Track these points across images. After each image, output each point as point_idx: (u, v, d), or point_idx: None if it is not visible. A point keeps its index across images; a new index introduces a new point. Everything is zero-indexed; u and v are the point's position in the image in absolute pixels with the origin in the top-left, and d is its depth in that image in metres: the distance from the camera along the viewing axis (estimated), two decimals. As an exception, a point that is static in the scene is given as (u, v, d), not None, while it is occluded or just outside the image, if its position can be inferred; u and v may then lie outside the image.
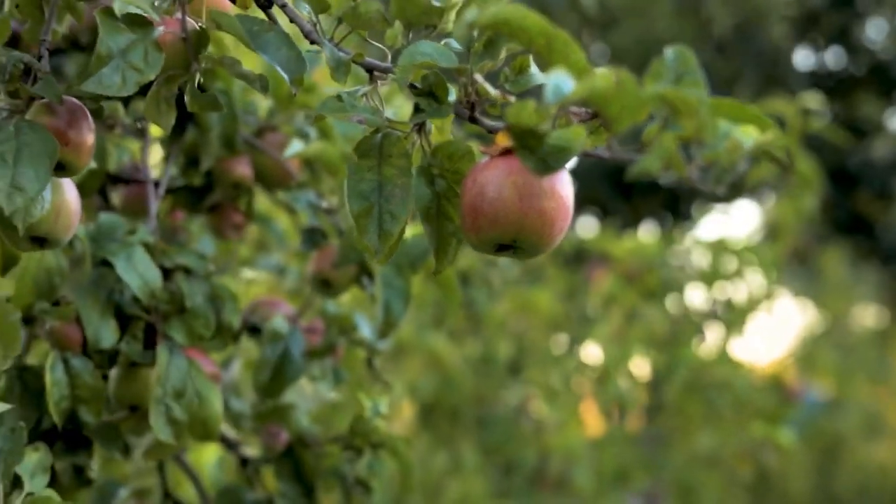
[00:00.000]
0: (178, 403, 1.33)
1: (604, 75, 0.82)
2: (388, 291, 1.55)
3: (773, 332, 5.40)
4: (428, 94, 0.97)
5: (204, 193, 1.81)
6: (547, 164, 0.86)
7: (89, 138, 1.04)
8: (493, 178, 0.92)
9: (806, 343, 5.83)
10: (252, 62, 1.44)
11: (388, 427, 1.51)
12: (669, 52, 0.85)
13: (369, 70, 1.03)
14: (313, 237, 1.68)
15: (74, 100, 1.04)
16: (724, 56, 7.68)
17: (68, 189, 1.10)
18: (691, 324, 3.70)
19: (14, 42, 1.20)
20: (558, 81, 0.83)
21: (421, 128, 0.99)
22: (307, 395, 1.80)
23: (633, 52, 7.34)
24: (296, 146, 1.64)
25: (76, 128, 1.02)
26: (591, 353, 3.80)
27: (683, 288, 3.73)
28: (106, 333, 1.35)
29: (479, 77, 0.93)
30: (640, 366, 3.70)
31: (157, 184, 1.65)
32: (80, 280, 1.34)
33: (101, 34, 1.00)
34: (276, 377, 1.59)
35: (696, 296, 3.77)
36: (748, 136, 0.84)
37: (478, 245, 0.94)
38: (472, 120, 0.97)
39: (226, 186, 1.79)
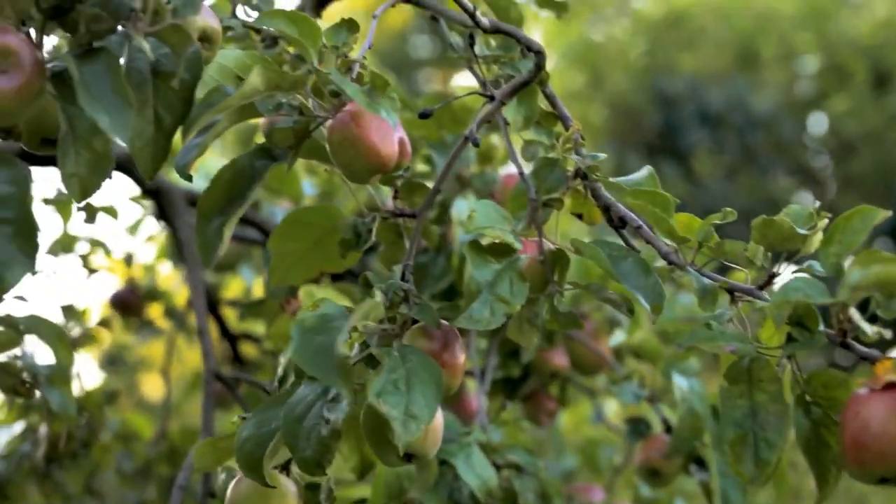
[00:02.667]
0: None
1: None
2: (724, 481, 1.54)
3: None
4: (798, 324, 0.98)
5: (520, 383, 1.86)
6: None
7: (461, 359, 1.09)
8: (878, 412, 0.92)
9: None
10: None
11: None
12: None
13: (731, 292, 1.05)
14: (638, 427, 1.70)
15: (445, 322, 1.10)
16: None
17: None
18: None
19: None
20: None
21: (791, 355, 0.99)
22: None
23: (871, 178, 7.17)
24: (618, 336, 1.69)
25: (450, 350, 1.07)
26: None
27: None
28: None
29: (853, 313, 0.93)
30: None
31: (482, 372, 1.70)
32: (426, 482, 1.40)
33: (470, 268, 1.06)
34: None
35: None
36: None
37: (860, 477, 0.94)
38: (844, 346, 0.97)
39: (542, 375, 1.84)
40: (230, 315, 2.49)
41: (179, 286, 2.66)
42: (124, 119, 0.88)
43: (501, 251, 1.09)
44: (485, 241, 1.09)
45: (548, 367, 1.81)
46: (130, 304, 2.49)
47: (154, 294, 2.54)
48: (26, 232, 0.87)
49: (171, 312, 2.55)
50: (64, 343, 1.61)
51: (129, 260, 2.52)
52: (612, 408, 2.27)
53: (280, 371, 1.13)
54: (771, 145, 8.11)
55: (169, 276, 2.72)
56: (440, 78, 8.79)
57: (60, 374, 1.55)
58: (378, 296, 1.01)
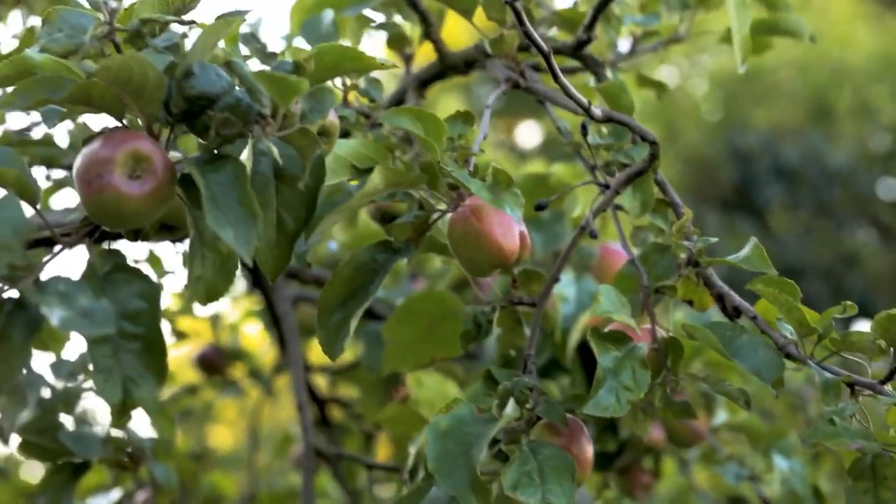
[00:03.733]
0: None
1: None
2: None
3: None
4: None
5: (615, 457, 1.85)
6: None
7: (589, 452, 1.09)
8: None
9: None
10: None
11: None
12: None
13: (852, 386, 1.04)
14: (738, 507, 1.69)
15: (571, 415, 1.10)
16: None
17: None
18: None
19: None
20: None
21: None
22: None
23: None
24: (721, 416, 1.67)
25: (577, 444, 1.07)
26: None
27: None
28: None
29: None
30: None
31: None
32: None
33: (597, 356, 1.06)
34: None
35: None
36: None
37: None
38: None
39: (638, 450, 1.83)
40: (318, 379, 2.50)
41: (265, 347, 2.69)
42: (249, 234, 0.89)
43: (618, 338, 1.10)
44: (607, 328, 1.10)
45: (644, 441, 1.80)
46: (214, 363, 2.52)
47: (238, 354, 2.56)
48: (155, 349, 0.89)
49: (255, 374, 2.57)
50: (166, 416, 1.63)
51: (214, 321, 2.55)
52: (704, 476, 2.25)
53: (410, 462, 1.14)
54: (847, 200, 8.03)
55: (254, 337, 2.74)
56: (504, 127, 8.84)
57: (164, 448, 1.57)
58: (511, 406, 1.02)
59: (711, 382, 1.09)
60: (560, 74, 1.04)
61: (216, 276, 0.94)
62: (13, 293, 0.87)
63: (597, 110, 1.14)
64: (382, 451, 2.35)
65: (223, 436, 3.93)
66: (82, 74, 0.99)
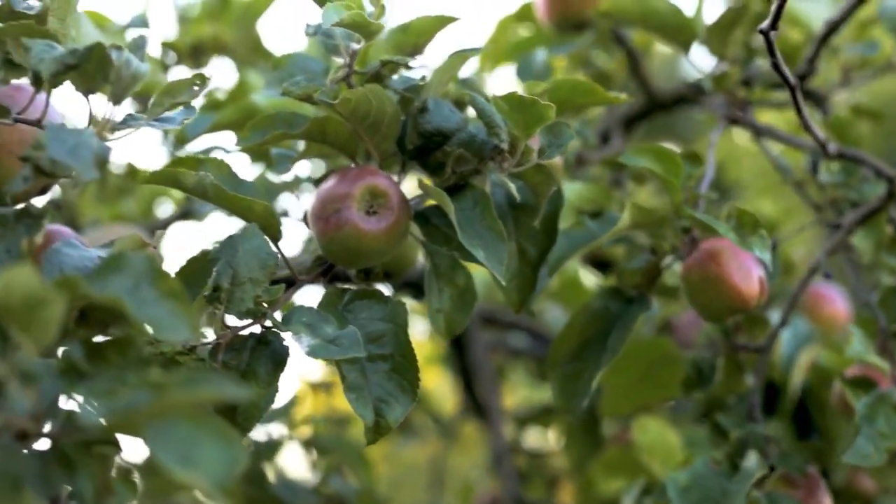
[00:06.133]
0: None
1: None
2: None
3: None
4: None
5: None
6: None
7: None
8: None
9: None
10: None
11: None
12: None
13: None
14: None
15: (810, 468, 1.06)
16: None
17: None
18: None
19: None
20: None
21: None
22: None
23: None
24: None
25: (815, 497, 1.03)
26: None
27: None
28: None
29: None
30: None
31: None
32: None
33: (851, 402, 1.02)
34: None
35: None
36: None
37: None
38: None
39: (850, 499, 1.76)
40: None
41: (446, 392, 2.67)
42: (500, 254, 0.88)
43: (865, 383, 1.05)
44: (853, 371, 1.06)
45: (856, 490, 1.72)
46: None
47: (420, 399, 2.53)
48: (405, 367, 0.87)
49: (435, 419, 2.55)
50: (366, 463, 1.62)
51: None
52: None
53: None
54: None
55: (435, 381, 2.72)
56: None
57: (367, 496, 1.56)
58: (753, 458, 0.98)
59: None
60: (804, 108, 0.99)
61: (455, 309, 0.92)
62: (255, 328, 0.86)
63: (832, 146, 1.09)
64: (565, 498, 2.31)
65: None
66: (312, 114, 0.99)
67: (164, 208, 1.71)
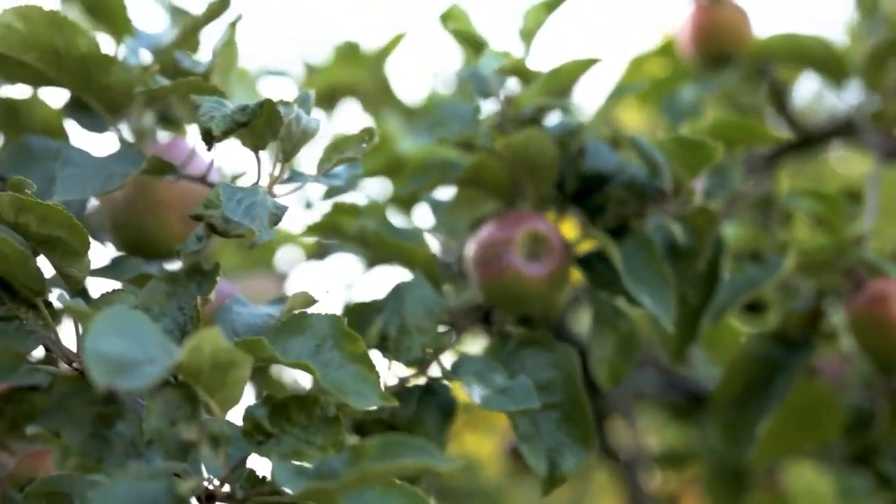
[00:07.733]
0: None
1: None
2: None
3: None
4: None
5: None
6: None
7: None
8: None
9: None
10: None
11: None
12: None
13: None
14: None
15: None
16: None
17: None
18: None
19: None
20: None
21: None
22: None
23: None
24: None
25: None
26: None
27: None
28: None
29: None
30: None
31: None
32: None
33: None
34: None
35: None
36: None
37: None
38: None
39: None
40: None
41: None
42: (666, 300, 0.86)
43: None
44: None
45: None
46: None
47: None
48: (576, 415, 0.85)
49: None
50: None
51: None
52: None
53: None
54: None
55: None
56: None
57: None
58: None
59: None
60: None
61: (618, 357, 0.90)
62: (421, 380, 0.85)
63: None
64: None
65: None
66: (455, 159, 0.99)
67: (285, 255, 1.69)
